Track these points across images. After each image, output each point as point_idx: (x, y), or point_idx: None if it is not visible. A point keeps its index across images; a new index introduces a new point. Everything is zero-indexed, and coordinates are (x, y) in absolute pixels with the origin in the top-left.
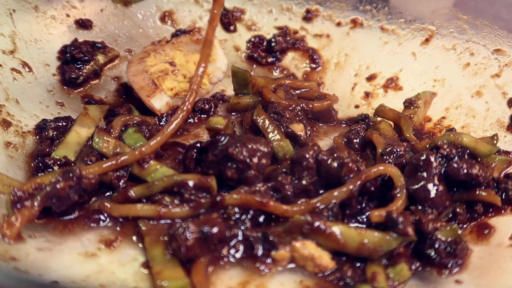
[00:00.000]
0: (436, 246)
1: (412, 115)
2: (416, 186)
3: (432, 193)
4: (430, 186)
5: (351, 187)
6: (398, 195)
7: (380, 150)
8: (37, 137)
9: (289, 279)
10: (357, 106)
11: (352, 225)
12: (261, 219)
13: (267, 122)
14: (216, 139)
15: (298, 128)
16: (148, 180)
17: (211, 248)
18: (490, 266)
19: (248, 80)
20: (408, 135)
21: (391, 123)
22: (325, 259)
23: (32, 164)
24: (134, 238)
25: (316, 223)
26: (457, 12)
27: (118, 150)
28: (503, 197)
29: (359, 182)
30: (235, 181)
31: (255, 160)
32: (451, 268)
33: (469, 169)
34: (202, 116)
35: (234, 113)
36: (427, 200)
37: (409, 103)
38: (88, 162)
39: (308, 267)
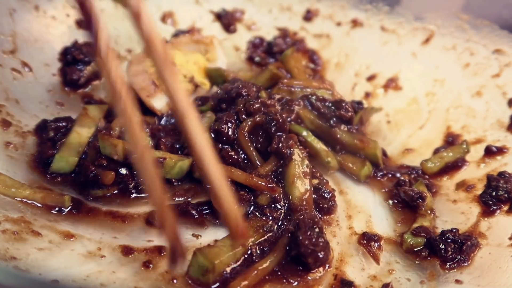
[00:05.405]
0: (446, 238)
1: None
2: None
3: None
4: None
5: None
6: None
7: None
8: (37, 137)
9: None
10: None
11: None
12: None
13: None
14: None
15: None
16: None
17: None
18: (490, 266)
19: (224, 75)
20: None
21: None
22: None
23: (32, 164)
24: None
25: None
26: (457, 12)
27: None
28: (494, 194)
29: None
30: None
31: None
32: (454, 263)
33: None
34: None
35: None
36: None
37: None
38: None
39: None
